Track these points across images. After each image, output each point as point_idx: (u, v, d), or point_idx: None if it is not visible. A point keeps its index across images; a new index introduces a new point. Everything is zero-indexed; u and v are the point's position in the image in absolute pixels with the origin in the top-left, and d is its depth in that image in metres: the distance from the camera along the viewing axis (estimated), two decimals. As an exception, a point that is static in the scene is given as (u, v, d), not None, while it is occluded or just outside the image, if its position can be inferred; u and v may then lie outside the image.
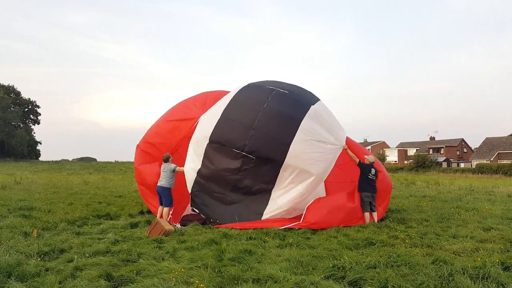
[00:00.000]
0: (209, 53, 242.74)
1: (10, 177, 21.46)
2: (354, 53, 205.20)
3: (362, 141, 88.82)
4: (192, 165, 8.69)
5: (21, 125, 60.79)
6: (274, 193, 8.30)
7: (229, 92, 9.65)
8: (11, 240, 6.24)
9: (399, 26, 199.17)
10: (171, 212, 8.55)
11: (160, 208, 8.65)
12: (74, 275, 4.71)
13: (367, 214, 8.47)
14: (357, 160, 8.89)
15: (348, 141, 9.22)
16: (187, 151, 9.11)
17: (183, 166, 8.93)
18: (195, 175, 8.61)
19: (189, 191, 8.76)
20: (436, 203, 12.14)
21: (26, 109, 62.90)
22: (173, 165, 8.72)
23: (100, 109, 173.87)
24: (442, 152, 70.60)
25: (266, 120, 8.16)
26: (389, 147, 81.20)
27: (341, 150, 8.78)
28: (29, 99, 63.06)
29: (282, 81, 9.58)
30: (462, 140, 73.99)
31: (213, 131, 8.42)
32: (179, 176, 8.94)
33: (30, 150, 61.25)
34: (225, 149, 8.30)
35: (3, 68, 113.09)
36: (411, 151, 73.78)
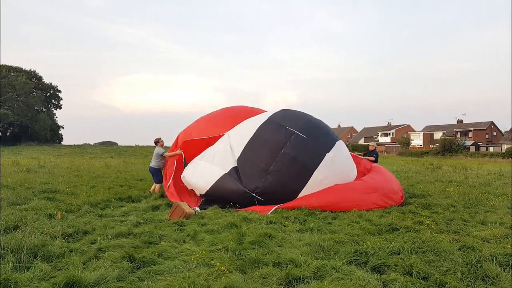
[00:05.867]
0: (227, 35, 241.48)
1: (34, 161, 22.03)
2: (377, 31, 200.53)
3: (386, 125, 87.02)
4: (201, 184, 8.85)
5: (44, 110, 62.00)
6: None
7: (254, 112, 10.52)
8: (36, 221, 6.36)
9: (425, 2, 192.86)
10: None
11: (154, 185, 10.24)
12: (97, 256, 4.78)
13: None
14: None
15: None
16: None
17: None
18: (208, 187, 8.71)
19: (200, 193, 8.95)
20: (464, 188, 11.76)
21: (48, 93, 63.94)
22: (161, 150, 10.27)
23: (120, 94, 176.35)
24: (470, 135, 68.64)
25: (281, 167, 8.40)
26: (414, 131, 79.35)
27: None
28: (51, 83, 64.02)
29: (304, 113, 9.94)
30: (492, 123, 71.52)
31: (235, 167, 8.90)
32: None
33: (52, 134, 62.55)
34: (238, 185, 8.56)
35: (24, 53, 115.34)
36: (437, 135, 71.98)
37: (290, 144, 8.57)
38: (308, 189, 8.37)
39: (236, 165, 8.82)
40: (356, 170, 9.86)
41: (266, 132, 9.05)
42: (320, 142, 8.95)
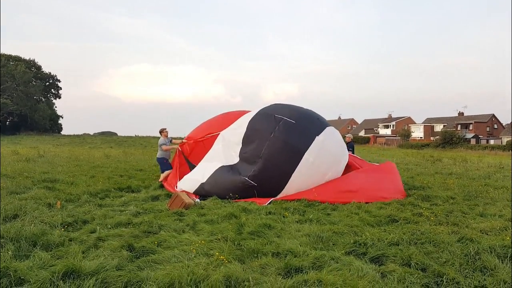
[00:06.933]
0: (228, 27, 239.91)
1: (33, 150, 22.02)
2: (379, 25, 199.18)
3: (387, 117, 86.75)
4: (198, 177, 9.14)
5: (43, 99, 61.65)
6: None
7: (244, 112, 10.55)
8: (35, 211, 6.39)
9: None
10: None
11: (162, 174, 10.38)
12: (96, 245, 4.79)
13: None
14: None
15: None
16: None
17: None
18: (197, 185, 8.97)
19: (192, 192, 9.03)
20: (463, 181, 11.75)
21: (47, 83, 63.54)
22: (162, 141, 10.53)
23: (120, 84, 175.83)
24: (471, 128, 68.47)
25: (271, 150, 8.55)
26: (415, 123, 79.05)
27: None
28: (50, 73, 63.49)
29: (294, 105, 10.05)
30: (493, 115, 71.25)
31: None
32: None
33: (52, 124, 62.34)
34: (235, 173, 8.76)
35: (24, 43, 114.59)
36: (438, 127, 71.75)
37: (278, 129, 8.72)
38: (300, 170, 8.47)
39: (234, 161, 9.06)
40: (347, 156, 9.98)
41: (256, 124, 9.25)
42: (310, 126, 9.07)
